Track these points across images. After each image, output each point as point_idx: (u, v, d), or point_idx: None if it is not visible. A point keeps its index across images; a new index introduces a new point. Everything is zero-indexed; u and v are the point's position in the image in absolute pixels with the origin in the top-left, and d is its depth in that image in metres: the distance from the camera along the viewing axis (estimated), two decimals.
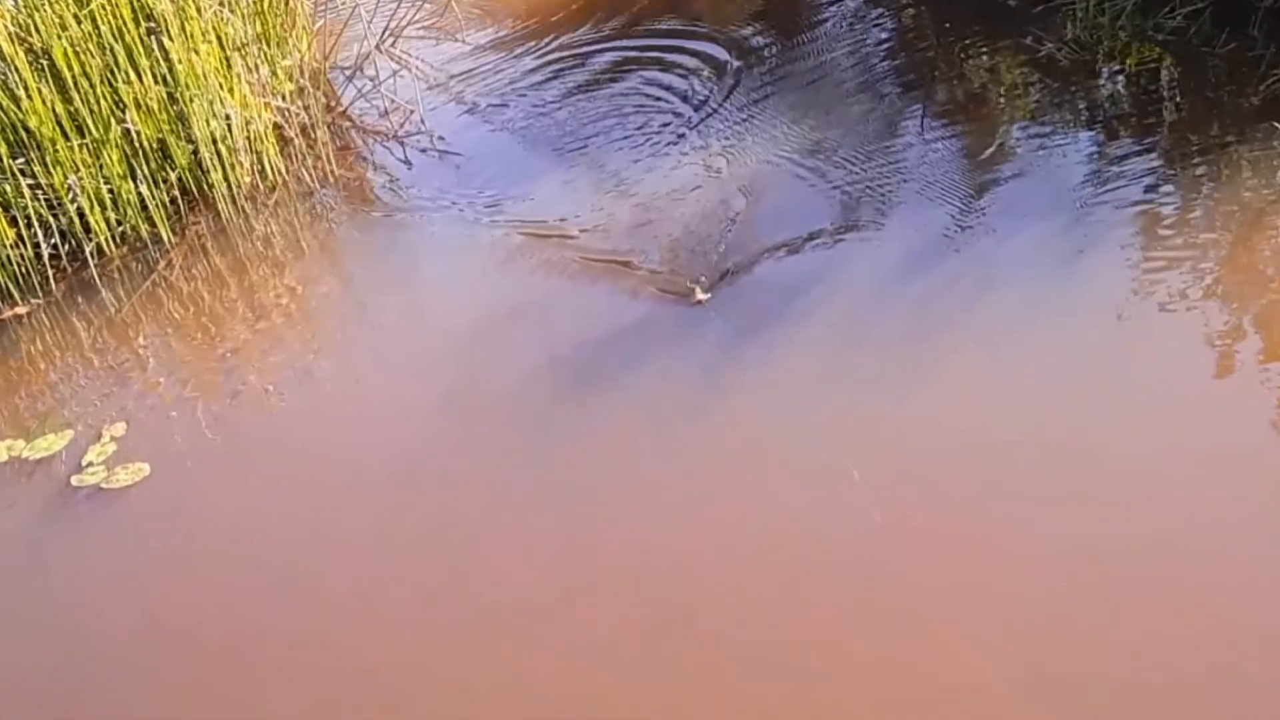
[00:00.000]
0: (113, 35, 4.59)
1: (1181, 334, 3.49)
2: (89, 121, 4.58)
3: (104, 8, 4.59)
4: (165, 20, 4.65)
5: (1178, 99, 4.41)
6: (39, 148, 4.53)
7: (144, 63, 4.64)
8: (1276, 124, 3.92)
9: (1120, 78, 4.65)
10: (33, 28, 4.57)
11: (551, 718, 2.86)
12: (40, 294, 4.58)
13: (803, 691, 2.82)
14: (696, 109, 5.14)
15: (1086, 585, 2.85)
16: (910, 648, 2.80)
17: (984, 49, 5.07)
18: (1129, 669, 2.68)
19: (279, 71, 5.25)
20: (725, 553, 3.21)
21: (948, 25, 5.38)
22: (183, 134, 4.80)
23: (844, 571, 3.05)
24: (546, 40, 5.88)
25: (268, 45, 5.22)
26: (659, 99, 5.22)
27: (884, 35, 5.58)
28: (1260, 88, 4.18)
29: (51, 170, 4.53)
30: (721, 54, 5.50)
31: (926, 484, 3.26)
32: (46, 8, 4.59)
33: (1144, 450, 3.15)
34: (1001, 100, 4.80)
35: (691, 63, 5.48)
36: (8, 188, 4.48)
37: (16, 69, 4.44)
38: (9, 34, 4.47)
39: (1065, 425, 3.24)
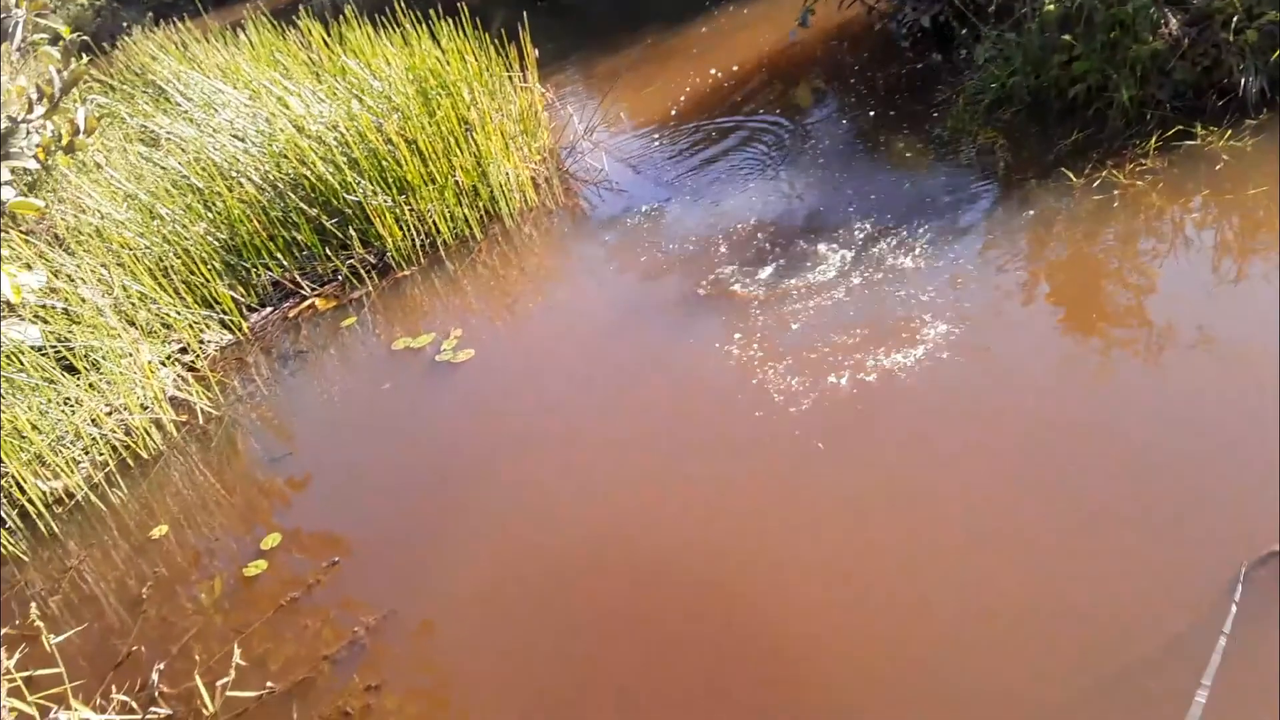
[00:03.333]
0: (448, 131, 5.73)
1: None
2: (437, 176, 5.69)
3: (444, 119, 5.76)
4: (475, 124, 5.89)
5: (1008, 157, 4.93)
6: (412, 190, 5.67)
7: (464, 145, 5.76)
8: (1064, 170, 4.51)
9: (973, 146, 5.16)
10: (409, 130, 5.73)
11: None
12: (416, 264, 5.70)
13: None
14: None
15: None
16: None
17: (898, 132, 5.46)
18: None
19: (531, 149, 6.39)
20: None
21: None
22: (485, 182, 5.91)
23: None
24: (684, 126, 6.72)
25: (526, 136, 6.40)
26: (751, 146, 6.00)
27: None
28: (1055, 149, 4.77)
29: (418, 202, 5.72)
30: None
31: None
32: (414, 118, 5.70)
33: None
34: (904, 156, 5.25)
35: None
36: (398, 212, 5.68)
37: (401, 150, 5.57)
38: (399, 133, 5.68)
39: None
